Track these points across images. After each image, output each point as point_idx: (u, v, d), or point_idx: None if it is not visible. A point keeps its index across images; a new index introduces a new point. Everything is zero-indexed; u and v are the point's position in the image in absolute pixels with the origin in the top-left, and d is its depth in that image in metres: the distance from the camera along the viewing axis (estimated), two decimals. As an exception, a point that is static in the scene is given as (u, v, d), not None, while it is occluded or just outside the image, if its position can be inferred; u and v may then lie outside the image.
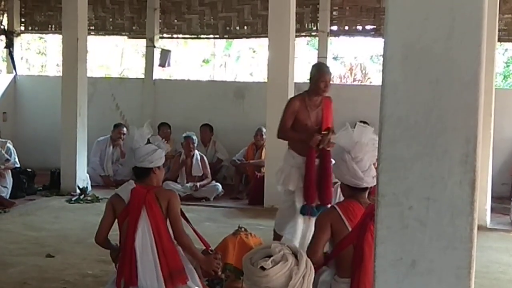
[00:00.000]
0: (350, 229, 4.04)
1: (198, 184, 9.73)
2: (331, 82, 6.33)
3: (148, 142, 4.56)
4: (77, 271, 5.99)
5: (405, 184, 1.98)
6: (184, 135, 10.15)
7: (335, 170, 4.54)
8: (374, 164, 6.22)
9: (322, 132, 6.19)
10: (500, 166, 10.05)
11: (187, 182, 9.86)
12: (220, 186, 9.93)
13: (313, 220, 6.09)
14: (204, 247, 4.63)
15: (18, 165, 9.62)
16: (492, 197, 8.39)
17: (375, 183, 4.16)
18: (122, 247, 4.40)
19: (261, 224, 7.84)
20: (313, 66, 6.54)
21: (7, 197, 8.93)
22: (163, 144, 4.63)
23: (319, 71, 6.29)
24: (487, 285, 5.82)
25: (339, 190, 7.52)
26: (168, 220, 4.42)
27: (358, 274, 3.92)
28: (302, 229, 6.23)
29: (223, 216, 8.61)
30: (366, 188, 4.26)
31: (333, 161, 4.99)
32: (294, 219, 6.23)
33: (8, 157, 9.29)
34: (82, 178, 9.76)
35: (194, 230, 4.65)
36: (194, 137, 10.03)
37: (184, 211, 4.62)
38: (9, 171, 9.20)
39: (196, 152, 10.06)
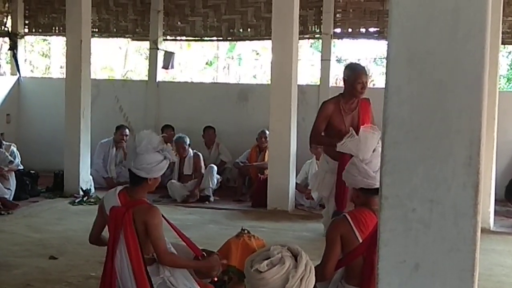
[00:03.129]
0: (360, 240, 3.96)
1: (186, 195, 9.69)
2: (367, 84, 6.05)
3: (157, 150, 4.34)
4: (80, 272, 5.99)
5: (409, 186, 1.98)
6: (175, 138, 10.15)
7: (346, 177, 4.45)
8: None
9: None
10: (504, 168, 10.02)
11: (179, 181, 9.93)
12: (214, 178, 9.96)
13: None
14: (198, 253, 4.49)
15: (22, 167, 9.63)
16: (495, 200, 8.37)
17: None
18: (104, 269, 4.32)
19: (264, 226, 7.84)
20: (347, 67, 6.27)
21: (11, 199, 8.93)
22: (172, 155, 4.43)
23: (355, 72, 6.02)
24: (490, 288, 5.81)
25: None
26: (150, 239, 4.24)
27: (368, 285, 3.86)
28: None
29: (226, 218, 8.60)
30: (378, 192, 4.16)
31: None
32: None
33: (12, 159, 9.30)
34: (86, 180, 9.76)
35: (183, 239, 4.48)
36: (186, 139, 10.00)
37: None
38: (13, 173, 9.21)
39: (190, 151, 10.06)
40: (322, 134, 6.28)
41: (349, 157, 5.84)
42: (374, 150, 4.38)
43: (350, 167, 4.34)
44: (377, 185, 4.15)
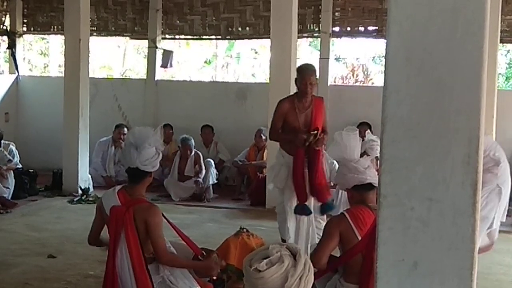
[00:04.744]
0: (359, 237, 3.98)
1: (200, 181, 9.74)
2: (314, 82, 6.32)
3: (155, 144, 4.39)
4: (78, 271, 5.99)
5: (407, 185, 1.98)
6: (181, 138, 10.16)
7: (337, 178, 4.55)
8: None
9: (311, 132, 6.19)
10: (502, 167, 10.01)
11: (178, 180, 9.96)
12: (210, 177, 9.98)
13: (304, 218, 6.21)
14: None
15: (20, 166, 9.63)
16: (494, 199, 8.36)
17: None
18: (105, 269, 4.32)
19: (262, 225, 7.84)
20: (297, 68, 6.60)
21: (9, 198, 8.93)
22: (161, 146, 4.49)
23: (300, 73, 6.36)
24: (488, 287, 5.81)
25: (341, 191, 7.60)
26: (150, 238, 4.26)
27: (367, 283, 3.87)
28: (296, 229, 6.28)
29: (225, 217, 8.60)
30: (373, 188, 4.22)
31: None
32: (286, 219, 6.28)
33: (11, 158, 9.30)
34: (84, 179, 9.76)
35: (182, 238, 4.49)
36: (192, 142, 10.07)
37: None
38: (11, 171, 9.20)
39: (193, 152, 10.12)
40: (280, 131, 6.53)
41: (303, 151, 6.14)
42: (355, 148, 4.52)
43: (340, 168, 4.44)
44: (369, 180, 4.24)
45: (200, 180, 9.75)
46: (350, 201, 4.38)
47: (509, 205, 9.15)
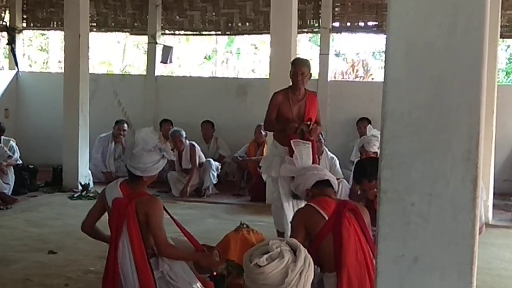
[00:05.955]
0: (326, 217, 4.15)
1: (186, 189, 9.69)
2: (306, 74, 6.47)
3: (154, 150, 4.38)
4: (79, 267, 5.99)
5: (408, 181, 1.98)
6: (170, 131, 10.12)
7: (297, 184, 4.79)
8: (366, 154, 6.65)
9: (305, 123, 6.35)
10: (502, 163, 10.04)
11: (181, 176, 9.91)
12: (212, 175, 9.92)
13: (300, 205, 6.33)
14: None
15: (20, 162, 9.63)
16: (494, 194, 8.39)
17: (336, 184, 4.49)
18: (106, 261, 4.34)
19: (263, 220, 7.84)
20: (291, 61, 6.78)
21: (9, 194, 8.93)
22: (170, 155, 4.48)
23: (294, 65, 6.55)
24: (489, 282, 5.82)
25: (341, 186, 7.66)
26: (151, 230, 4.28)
27: (340, 263, 3.99)
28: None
29: (225, 213, 8.61)
30: (331, 186, 4.52)
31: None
32: (282, 207, 6.35)
33: (11, 154, 9.29)
34: (84, 175, 9.76)
35: (183, 233, 4.51)
36: (182, 132, 9.94)
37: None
38: (11, 167, 9.20)
39: (187, 143, 9.99)
40: (274, 121, 6.68)
41: (297, 137, 6.31)
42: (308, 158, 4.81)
43: (297, 174, 4.84)
44: (328, 177, 4.57)
45: (186, 188, 9.65)
46: (309, 200, 4.55)
47: (508, 201, 9.21)
